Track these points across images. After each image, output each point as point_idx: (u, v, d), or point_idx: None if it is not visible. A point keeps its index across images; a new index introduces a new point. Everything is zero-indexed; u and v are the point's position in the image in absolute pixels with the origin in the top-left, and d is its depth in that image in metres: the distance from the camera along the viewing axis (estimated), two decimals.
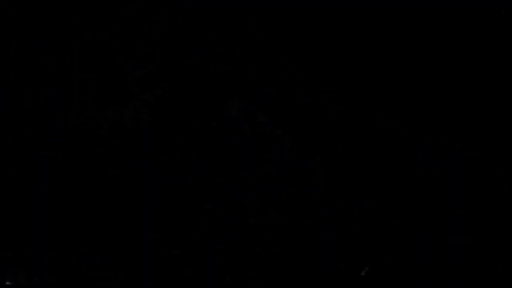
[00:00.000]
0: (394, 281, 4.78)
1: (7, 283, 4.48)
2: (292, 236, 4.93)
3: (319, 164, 5.12)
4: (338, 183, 5.06)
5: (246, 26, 5.47)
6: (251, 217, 5.00)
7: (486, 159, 5.05)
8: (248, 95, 5.36)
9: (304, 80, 5.46)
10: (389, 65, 5.37)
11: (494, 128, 5.15)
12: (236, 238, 4.94)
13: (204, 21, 5.39)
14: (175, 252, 4.88)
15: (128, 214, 4.96)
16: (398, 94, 5.30)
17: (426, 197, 5.00)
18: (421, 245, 4.85)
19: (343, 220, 4.94)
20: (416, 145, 5.15)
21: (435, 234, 4.87)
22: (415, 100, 5.29)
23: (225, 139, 5.22)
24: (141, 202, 5.01)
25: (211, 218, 5.00)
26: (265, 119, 5.30)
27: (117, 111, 5.17)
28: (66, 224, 4.91)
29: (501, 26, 5.26)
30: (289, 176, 5.12)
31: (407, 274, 4.78)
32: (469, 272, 4.72)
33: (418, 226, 4.91)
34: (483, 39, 5.29)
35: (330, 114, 5.27)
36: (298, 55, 5.50)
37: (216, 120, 5.25)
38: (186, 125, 5.21)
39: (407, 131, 5.18)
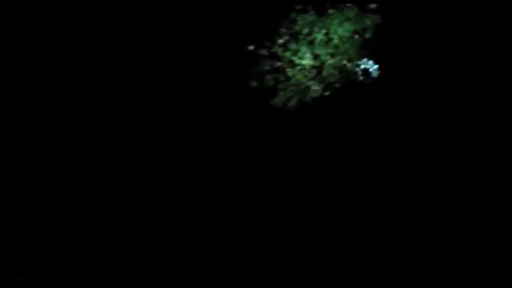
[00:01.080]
0: (394, 280, 4.77)
1: None
2: (291, 235, 4.92)
3: (320, 164, 5.11)
4: (337, 183, 5.05)
5: (246, 26, 5.46)
6: (251, 217, 5.00)
7: (486, 159, 5.05)
8: None
9: None
10: (388, 65, 5.37)
11: (494, 128, 5.14)
12: (236, 238, 4.93)
13: (204, 21, 5.38)
14: (175, 253, 4.87)
15: (128, 214, 4.95)
16: (397, 94, 5.29)
17: (426, 197, 4.99)
18: (421, 245, 4.84)
19: (343, 220, 4.94)
20: (416, 145, 5.14)
21: (435, 234, 4.86)
22: (415, 100, 5.29)
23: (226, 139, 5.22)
24: (141, 202, 5.00)
25: (211, 218, 5.00)
26: None
27: (117, 111, 5.16)
28: (66, 224, 4.90)
29: (501, 26, 5.26)
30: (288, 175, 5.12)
31: (407, 274, 4.78)
32: (469, 272, 4.71)
33: (418, 226, 4.91)
34: (483, 39, 5.28)
35: (330, 114, 5.27)
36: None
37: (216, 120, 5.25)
38: (186, 125, 5.21)
39: (407, 131, 5.18)
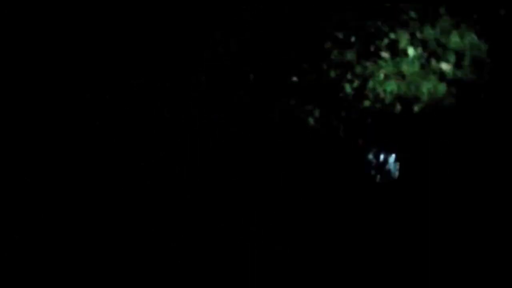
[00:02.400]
0: (395, 281, 4.79)
1: None
2: (292, 234, 4.94)
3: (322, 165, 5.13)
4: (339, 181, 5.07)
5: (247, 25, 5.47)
6: (251, 216, 5.01)
7: (486, 159, 5.06)
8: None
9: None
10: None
11: (493, 125, 5.15)
12: (236, 238, 4.94)
13: (205, 20, 5.39)
14: (176, 252, 4.88)
15: (128, 214, 4.96)
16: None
17: (427, 197, 5.01)
18: (422, 245, 4.86)
19: (343, 219, 4.95)
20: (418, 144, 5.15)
21: (436, 235, 4.88)
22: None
23: (226, 139, 5.23)
24: (141, 202, 5.01)
25: (211, 218, 5.01)
26: None
27: (119, 110, 5.17)
28: (66, 224, 4.91)
29: (501, 26, 5.26)
30: (287, 173, 5.13)
31: (408, 274, 4.79)
32: (467, 272, 4.72)
33: (419, 226, 4.92)
34: (482, 38, 5.29)
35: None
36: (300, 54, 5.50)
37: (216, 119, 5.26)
38: (187, 124, 5.22)
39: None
